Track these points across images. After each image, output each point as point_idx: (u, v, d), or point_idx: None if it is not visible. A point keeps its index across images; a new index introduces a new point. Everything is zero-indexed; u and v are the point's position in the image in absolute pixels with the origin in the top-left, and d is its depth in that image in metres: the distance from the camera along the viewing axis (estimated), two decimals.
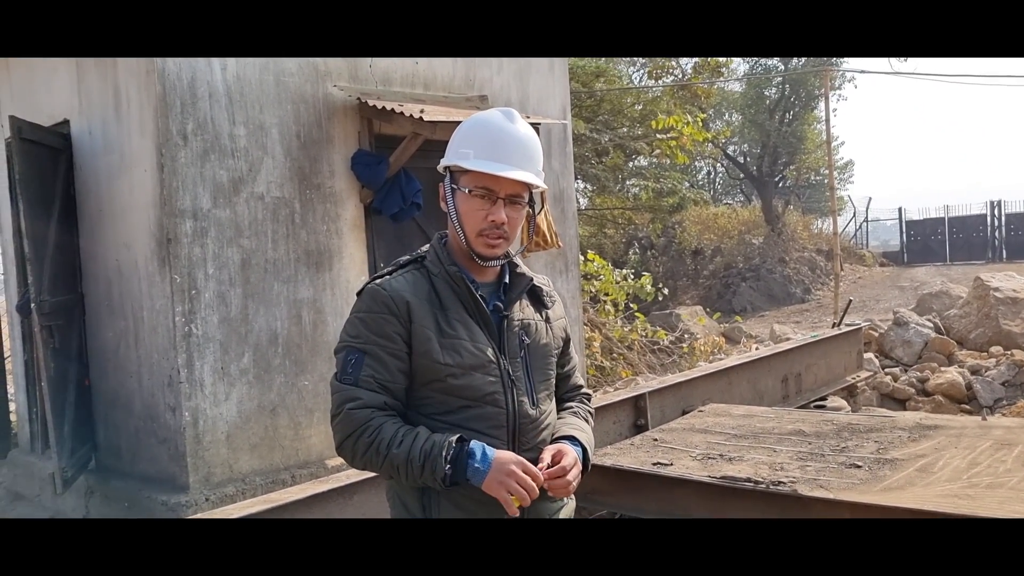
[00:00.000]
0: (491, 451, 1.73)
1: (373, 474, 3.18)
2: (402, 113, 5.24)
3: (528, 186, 1.86)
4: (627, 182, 17.92)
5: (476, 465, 1.71)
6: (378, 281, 1.85)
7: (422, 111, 5.22)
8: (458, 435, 1.74)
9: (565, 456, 1.82)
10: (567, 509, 1.96)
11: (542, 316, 1.96)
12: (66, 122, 5.81)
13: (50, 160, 5.54)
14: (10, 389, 8.29)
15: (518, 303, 1.91)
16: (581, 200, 18.17)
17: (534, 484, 1.71)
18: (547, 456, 1.82)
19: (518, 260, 1.95)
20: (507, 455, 1.74)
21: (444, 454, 1.70)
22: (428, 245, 1.93)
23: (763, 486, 3.01)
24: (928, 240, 28.42)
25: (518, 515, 1.72)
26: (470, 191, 1.82)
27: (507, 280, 1.92)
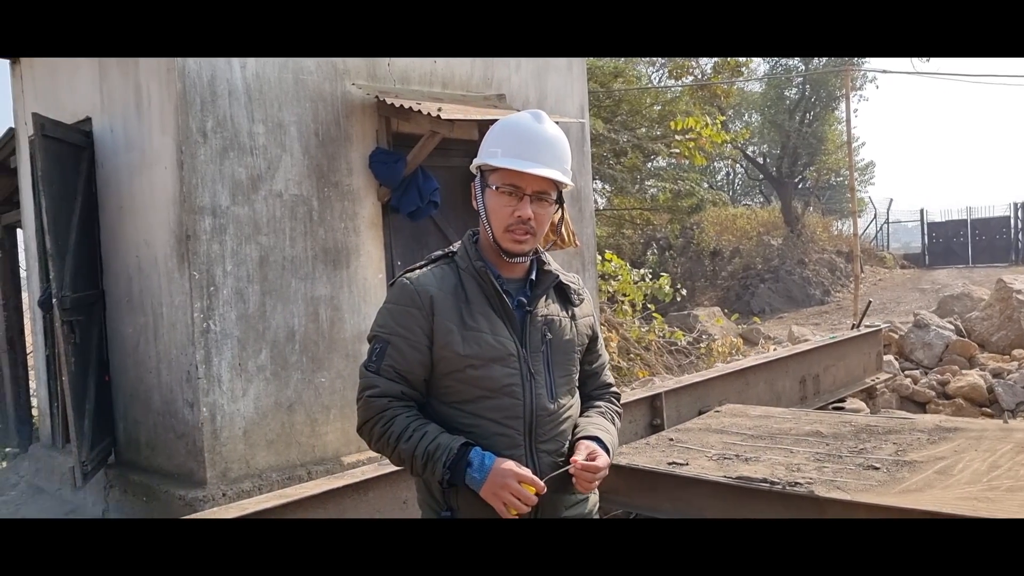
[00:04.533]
0: (490, 459, 1.77)
1: (387, 471, 3.20)
2: (420, 111, 5.24)
3: (555, 184, 1.90)
4: (645, 183, 17.85)
5: (473, 474, 1.76)
6: (408, 275, 1.93)
7: (440, 109, 5.22)
8: (463, 441, 1.79)
9: (599, 457, 1.86)
10: (589, 502, 1.99)
11: (568, 313, 1.99)
12: (88, 120, 5.87)
13: (72, 157, 5.60)
14: (32, 384, 8.40)
15: (543, 299, 1.95)
16: (599, 200, 18.13)
17: (530, 494, 1.74)
18: (582, 453, 1.85)
19: (547, 257, 2.00)
20: (505, 466, 1.76)
21: (444, 459, 1.76)
22: (459, 242, 1.99)
23: (779, 487, 2.99)
24: (950, 242, 28.12)
25: None
26: (498, 188, 1.88)
27: (534, 277, 1.97)
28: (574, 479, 1.83)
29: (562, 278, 2.00)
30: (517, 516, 1.75)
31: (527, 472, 1.77)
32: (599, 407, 2.06)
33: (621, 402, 2.17)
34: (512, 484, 1.73)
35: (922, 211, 29.37)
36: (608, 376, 2.15)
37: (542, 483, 1.77)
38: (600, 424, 1.98)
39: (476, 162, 1.94)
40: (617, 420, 2.08)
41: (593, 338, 2.07)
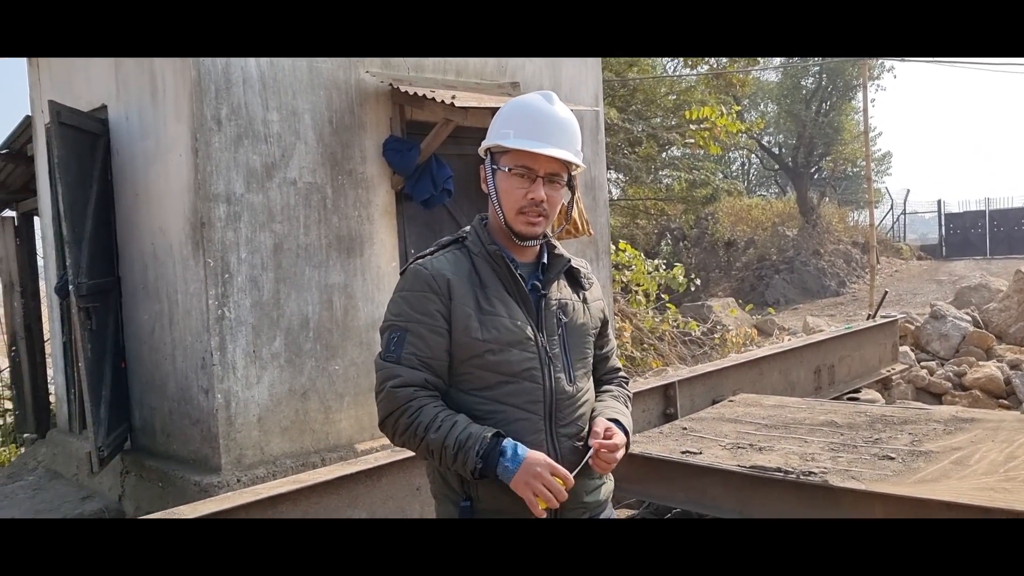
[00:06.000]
0: (523, 451, 1.74)
1: (400, 458, 3.21)
2: (434, 99, 5.23)
3: (567, 166, 1.89)
4: (660, 172, 17.77)
5: (506, 464, 1.73)
6: (420, 261, 1.90)
7: (453, 97, 5.21)
8: (494, 431, 1.76)
9: (616, 435, 1.85)
10: (606, 488, 1.99)
11: (580, 297, 1.99)
12: (104, 107, 5.89)
13: (88, 145, 5.62)
14: (49, 370, 8.47)
15: (556, 283, 1.95)
16: (613, 190, 18.07)
17: (561, 487, 1.72)
18: (600, 428, 1.85)
19: (556, 242, 1.99)
20: (537, 457, 1.74)
21: (477, 448, 1.72)
22: (469, 226, 1.97)
23: (793, 476, 2.97)
24: (968, 233, 27.86)
25: (544, 515, 1.74)
26: (510, 170, 1.86)
27: (545, 260, 1.96)
28: (591, 460, 1.82)
29: (573, 262, 2.00)
30: (545, 509, 1.73)
31: (559, 466, 1.75)
32: (612, 391, 2.05)
33: (634, 391, 2.17)
34: (545, 476, 1.71)
35: (939, 202, 29.14)
36: (616, 361, 2.15)
37: (572, 477, 1.76)
38: (616, 408, 1.98)
39: (486, 144, 1.92)
40: (629, 404, 2.07)
41: (604, 322, 2.07)
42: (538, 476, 1.71)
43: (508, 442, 1.75)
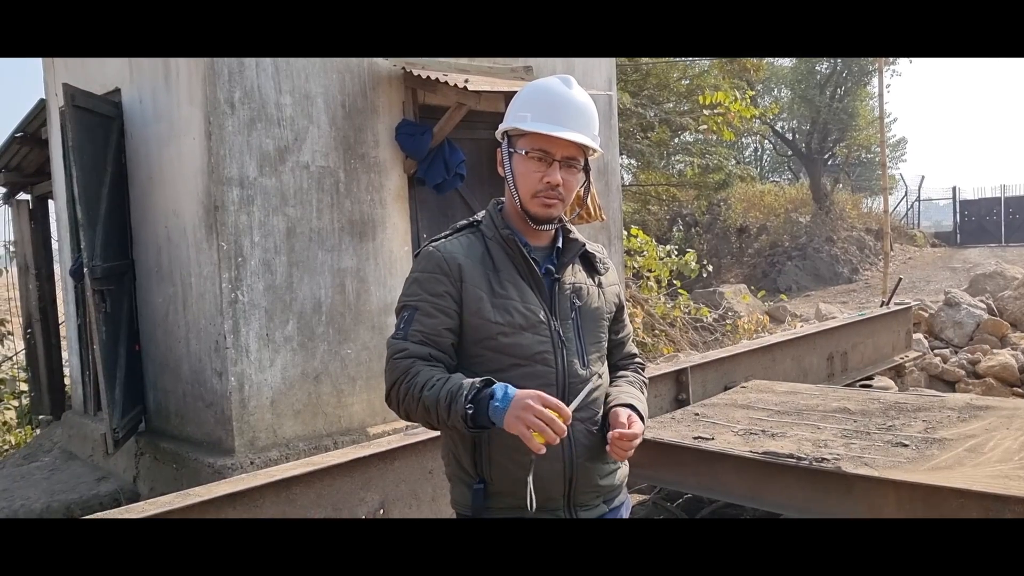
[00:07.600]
0: (513, 391, 1.68)
1: (413, 441, 3.22)
2: (446, 83, 5.22)
3: (584, 150, 1.89)
4: (672, 158, 17.69)
5: (496, 404, 1.66)
6: (434, 244, 1.91)
7: (466, 81, 5.19)
8: (486, 378, 1.72)
9: (635, 424, 1.83)
10: (621, 473, 1.98)
11: (594, 281, 1.98)
12: (117, 91, 5.90)
13: (102, 128, 5.64)
14: (64, 353, 8.54)
15: (570, 267, 1.95)
16: (625, 176, 18.00)
17: (555, 416, 1.63)
18: (623, 417, 1.82)
19: (571, 226, 1.99)
20: (527, 391, 1.67)
21: (467, 393, 1.69)
22: (484, 211, 1.98)
23: (806, 462, 2.97)
24: (983, 220, 27.63)
25: (543, 452, 1.63)
26: (527, 153, 1.86)
27: (560, 245, 1.96)
28: (609, 446, 1.80)
29: (588, 246, 2.00)
30: (544, 444, 1.62)
31: (552, 398, 1.67)
32: (627, 376, 2.05)
33: (647, 375, 2.16)
34: (535, 405, 1.62)
35: (954, 188, 28.88)
36: (632, 347, 2.14)
37: (568, 409, 1.68)
38: (632, 393, 1.97)
39: (503, 127, 1.92)
40: (645, 390, 2.06)
41: (619, 307, 2.06)
42: (528, 408, 1.62)
43: (499, 385, 1.70)
